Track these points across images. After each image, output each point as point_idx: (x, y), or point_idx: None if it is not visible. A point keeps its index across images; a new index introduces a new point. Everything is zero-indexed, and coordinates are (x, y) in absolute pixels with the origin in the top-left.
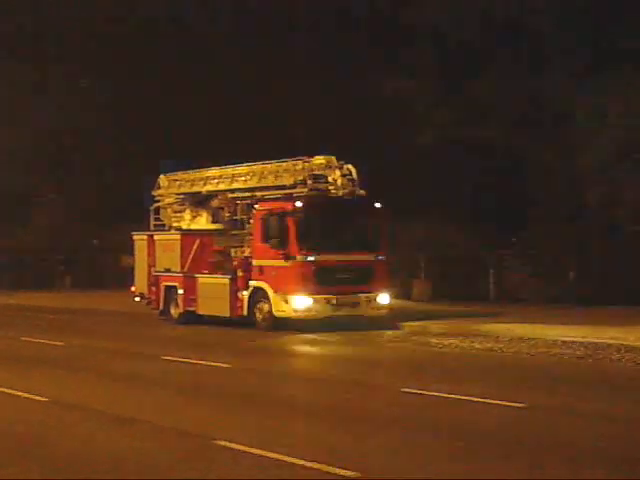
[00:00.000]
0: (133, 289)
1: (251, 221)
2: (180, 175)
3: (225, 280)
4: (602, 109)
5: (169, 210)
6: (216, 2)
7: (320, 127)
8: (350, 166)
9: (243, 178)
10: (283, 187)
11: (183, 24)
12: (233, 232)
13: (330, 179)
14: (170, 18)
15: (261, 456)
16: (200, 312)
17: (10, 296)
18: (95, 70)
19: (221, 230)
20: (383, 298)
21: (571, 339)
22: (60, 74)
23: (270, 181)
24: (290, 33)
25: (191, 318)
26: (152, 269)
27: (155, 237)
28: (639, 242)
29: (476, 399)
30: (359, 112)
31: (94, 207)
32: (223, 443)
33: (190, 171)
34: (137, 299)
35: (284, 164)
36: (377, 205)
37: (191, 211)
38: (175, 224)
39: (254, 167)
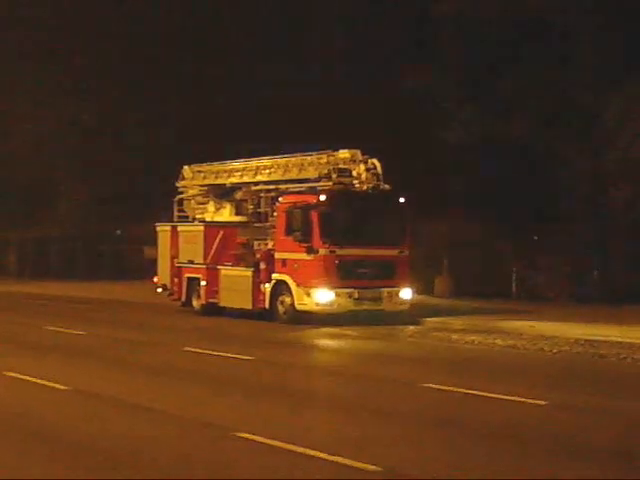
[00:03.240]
0: (155, 280)
1: (274, 214)
2: (204, 167)
3: (248, 272)
4: (629, 108)
5: (193, 202)
6: None
7: (345, 121)
8: (375, 160)
9: (267, 171)
10: (307, 180)
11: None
12: (256, 225)
13: (354, 173)
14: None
15: (282, 449)
16: (222, 304)
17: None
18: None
19: (244, 222)
20: (405, 293)
21: (594, 338)
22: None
23: (294, 174)
24: (318, 25)
25: (213, 310)
26: (175, 260)
27: (179, 228)
28: None
29: (497, 396)
30: (386, 107)
31: (118, 197)
32: (244, 435)
33: (214, 163)
34: (159, 290)
35: (309, 157)
36: (401, 200)
37: (215, 203)
38: (199, 216)
39: (278, 160)
